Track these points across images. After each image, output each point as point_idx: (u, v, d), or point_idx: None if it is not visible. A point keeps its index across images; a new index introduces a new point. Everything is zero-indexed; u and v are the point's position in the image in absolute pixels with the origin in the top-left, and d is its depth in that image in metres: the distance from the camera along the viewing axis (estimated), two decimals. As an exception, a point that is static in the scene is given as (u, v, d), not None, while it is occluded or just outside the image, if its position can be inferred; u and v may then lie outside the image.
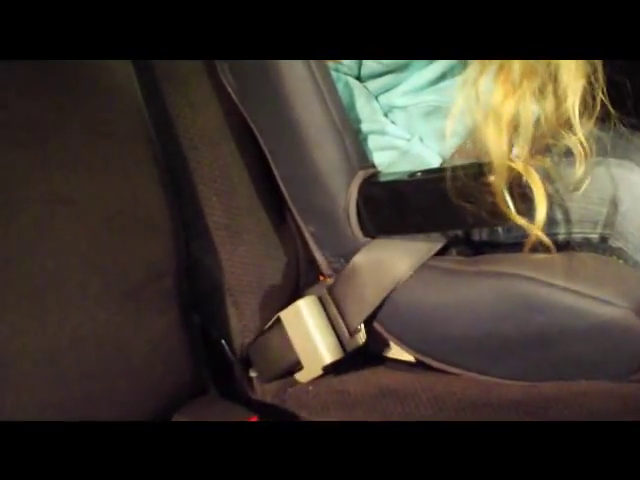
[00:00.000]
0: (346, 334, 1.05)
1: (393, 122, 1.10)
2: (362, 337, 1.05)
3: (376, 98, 1.10)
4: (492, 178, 0.91)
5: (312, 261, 1.11)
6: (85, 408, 0.90)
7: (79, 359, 0.89)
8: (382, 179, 1.02)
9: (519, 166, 0.94)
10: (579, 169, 0.99)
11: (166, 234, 0.98)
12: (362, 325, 1.04)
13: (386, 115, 1.10)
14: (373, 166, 1.05)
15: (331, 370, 1.07)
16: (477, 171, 0.93)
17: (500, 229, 1.05)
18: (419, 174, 0.98)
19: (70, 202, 0.89)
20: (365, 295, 1.04)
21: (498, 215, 0.92)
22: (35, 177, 0.88)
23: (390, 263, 1.03)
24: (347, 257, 1.05)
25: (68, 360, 0.88)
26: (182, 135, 1.05)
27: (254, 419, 0.95)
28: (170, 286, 0.98)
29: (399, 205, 0.99)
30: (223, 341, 1.08)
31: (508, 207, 0.91)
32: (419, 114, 1.08)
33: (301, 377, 1.09)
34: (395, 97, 1.09)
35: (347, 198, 1.02)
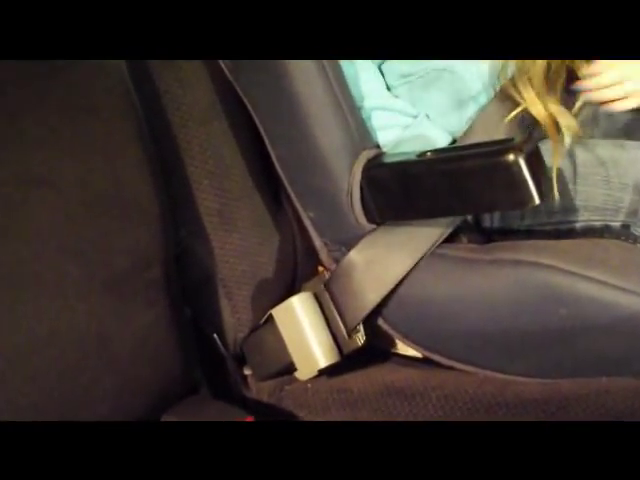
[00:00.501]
0: (344, 334, 0.96)
1: (397, 97, 1.00)
2: (361, 338, 0.96)
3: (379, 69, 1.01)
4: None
5: (310, 250, 1.02)
6: (64, 409, 0.82)
7: (57, 356, 0.81)
8: (388, 160, 0.93)
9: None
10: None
11: (153, 219, 0.89)
12: (361, 325, 0.95)
13: (389, 89, 1.01)
14: (377, 146, 0.96)
15: (329, 370, 0.98)
16: (496, 149, 0.83)
17: (513, 215, 0.97)
18: (429, 154, 0.89)
19: (47, 184, 0.81)
20: (365, 291, 0.95)
21: (517, 197, 0.83)
22: (7, 155, 0.79)
23: (391, 255, 0.94)
24: (349, 245, 0.96)
25: (45, 357, 0.80)
26: (171, 112, 0.96)
27: (250, 420, 0.86)
28: (158, 276, 0.90)
29: (407, 188, 0.89)
30: (215, 335, 1.00)
31: (528, 187, 0.82)
32: (423, 84, 0.98)
33: (298, 375, 1.00)
34: (398, 63, 0.99)
35: (350, 180, 0.92)
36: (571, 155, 0.99)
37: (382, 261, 0.93)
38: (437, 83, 0.97)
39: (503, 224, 0.99)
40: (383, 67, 1.00)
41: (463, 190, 0.85)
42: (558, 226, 0.98)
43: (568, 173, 0.97)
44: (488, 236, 0.98)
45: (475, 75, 0.95)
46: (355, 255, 0.94)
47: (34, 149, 0.80)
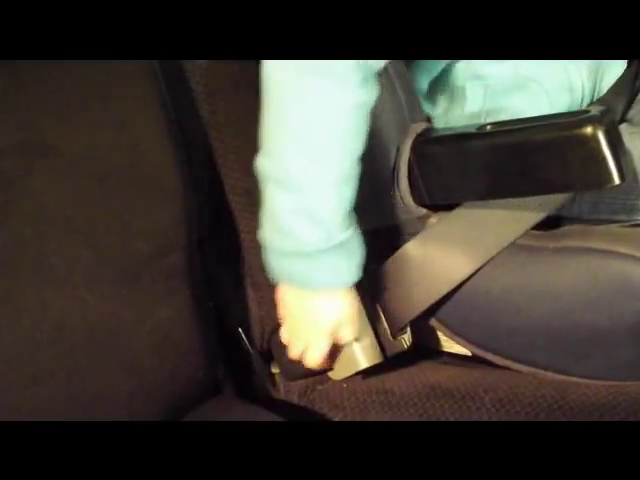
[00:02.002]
0: (388, 334, 0.82)
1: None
2: (407, 340, 0.82)
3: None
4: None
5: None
6: (71, 414, 0.69)
7: (64, 354, 0.68)
8: (441, 134, 0.79)
9: None
10: None
11: (174, 199, 0.77)
12: (408, 327, 0.81)
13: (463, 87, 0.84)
14: (428, 119, 0.82)
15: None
16: (571, 121, 0.69)
17: (582, 203, 0.82)
18: (489, 127, 0.75)
19: (53, 154, 0.67)
20: (417, 291, 0.80)
21: (594, 176, 0.68)
22: (7, 120, 0.66)
23: (455, 253, 0.79)
24: (392, 231, 0.82)
25: (50, 355, 0.68)
26: (194, 80, 0.81)
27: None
28: (179, 263, 0.77)
29: (464, 165, 0.75)
30: (240, 330, 0.86)
31: (607, 165, 0.68)
32: (504, 89, 0.82)
33: (332, 375, 0.85)
34: (480, 64, 0.81)
35: (397, 157, 0.78)
36: (633, 149, 0.85)
37: (443, 259, 0.79)
38: (521, 91, 0.81)
39: (561, 212, 0.85)
40: (458, 64, 0.83)
41: (531, 167, 0.71)
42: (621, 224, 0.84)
43: (631, 168, 0.83)
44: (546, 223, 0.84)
45: (558, 87, 0.80)
46: (411, 249, 0.80)
47: (38, 113, 0.67)
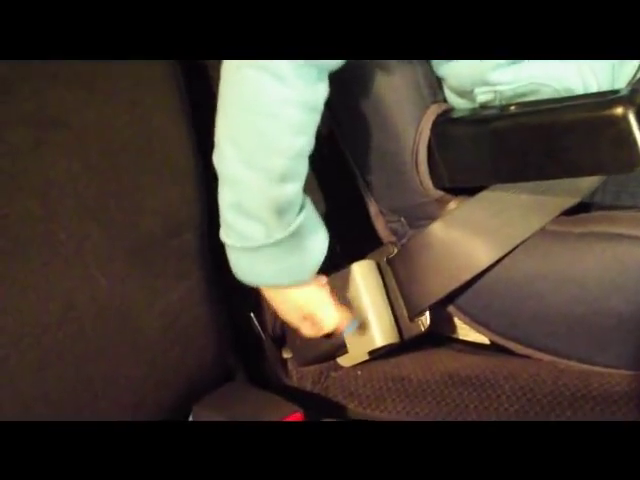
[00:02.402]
0: (405, 317, 0.79)
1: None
2: (425, 323, 0.78)
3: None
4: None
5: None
6: (81, 399, 0.66)
7: (72, 336, 0.65)
8: (462, 115, 0.75)
9: None
10: None
11: (186, 177, 0.74)
12: (427, 312, 0.78)
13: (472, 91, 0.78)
14: (446, 101, 0.78)
15: (379, 355, 0.81)
16: (600, 101, 0.65)
17: (605, 192, 0.79)
18: (513, 107, 0.71)
19: (63, 126, 0.64)
20: (437, 277, 0.77)
21: (623, 158, 0.64)
22: (17, 93, 0.63)
23: (478, 240, 0.75)
24: (409, 216, 0.78)
25: (58, 338, 0.64)
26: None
27: (299, 415, 0.68)
28: (190, 243, 0.74)
29: (487, 146, 0.71)
30: (252, 314, 0.83)
31: (638, 146, 0.64)
32: (514, 95, 0.74)
33: (343, 361, 0.83)
34: (487, 70, 0.74)
35: (416, 138, 0.74)
36: None
37: (464, 246, 0.75)
38: (533, 96, 0.74)
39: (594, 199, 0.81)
40: (465, 67, 0.75)
41: (558, 149, 0.66)
42: None
43: None
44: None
45: (572, 90, 0.73)
46: (433, 233, 0.76)
47: (48, 86, 0.63)
